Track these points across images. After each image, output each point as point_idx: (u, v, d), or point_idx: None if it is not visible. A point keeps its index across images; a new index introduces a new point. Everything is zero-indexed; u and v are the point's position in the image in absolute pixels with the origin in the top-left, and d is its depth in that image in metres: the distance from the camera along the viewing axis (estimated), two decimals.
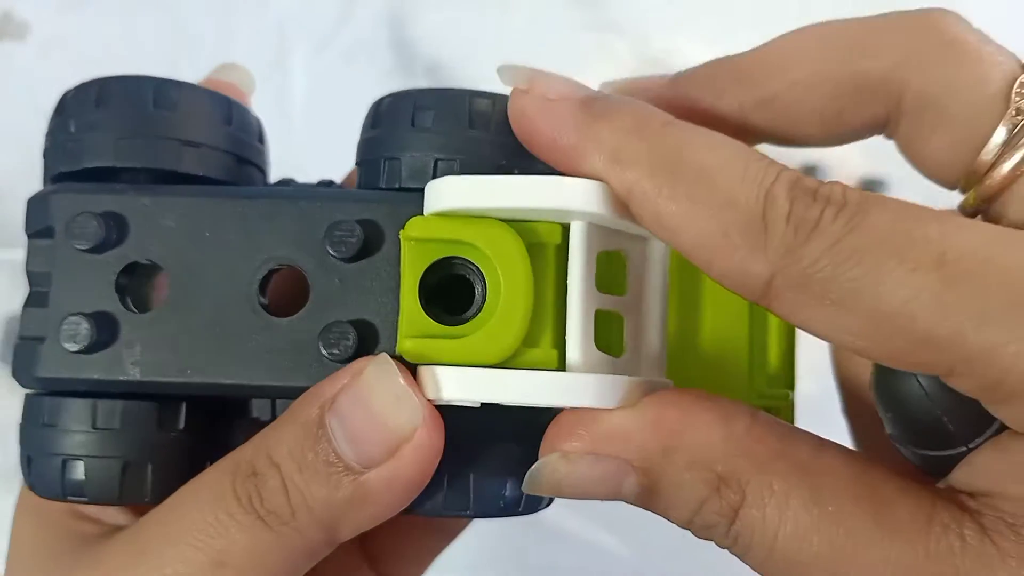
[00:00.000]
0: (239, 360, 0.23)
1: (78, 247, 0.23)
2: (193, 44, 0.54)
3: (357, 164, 0.25)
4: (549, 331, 0.22)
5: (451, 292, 0.23)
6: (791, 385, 0.28)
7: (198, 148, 0.25)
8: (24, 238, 0.25)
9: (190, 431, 0.24)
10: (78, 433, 0.24)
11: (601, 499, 0.21)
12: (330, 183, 0.27)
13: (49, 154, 0.25)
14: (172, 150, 0.25)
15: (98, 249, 0.23)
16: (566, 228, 0.22)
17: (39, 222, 0.24)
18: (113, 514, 0.26)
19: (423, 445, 0.21)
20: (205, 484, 0.22)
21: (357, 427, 0.21)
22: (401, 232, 0.22)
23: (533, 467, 0.21)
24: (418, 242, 0.22)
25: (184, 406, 0.24)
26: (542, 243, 0.22)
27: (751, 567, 0.20)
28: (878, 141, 0.23)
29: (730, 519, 0.20)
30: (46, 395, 0.24)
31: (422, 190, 0.23)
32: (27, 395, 0.25)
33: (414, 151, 0.24)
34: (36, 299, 0.24)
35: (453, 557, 0.33)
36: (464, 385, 0.21)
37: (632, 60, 0.54)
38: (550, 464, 0.21)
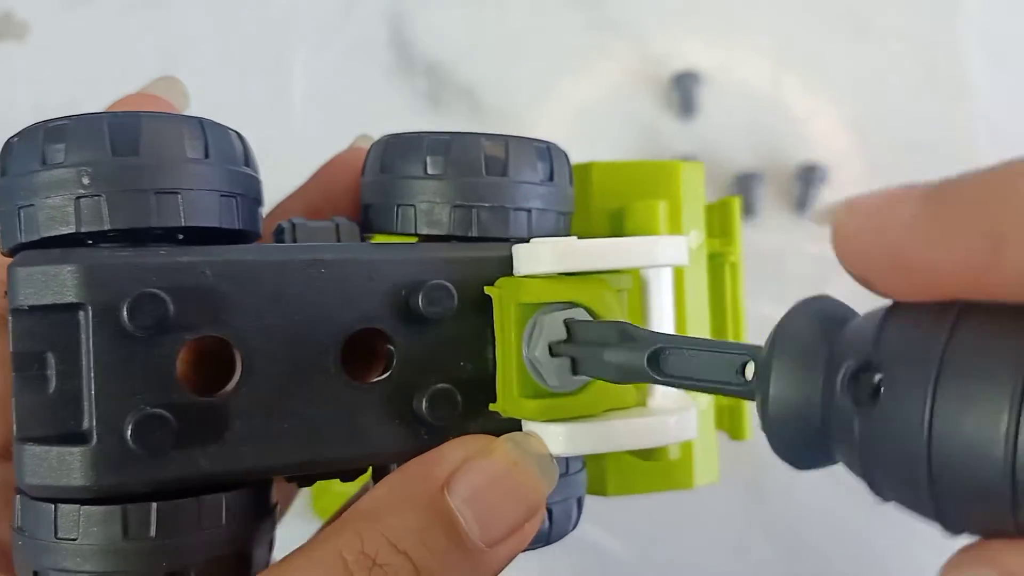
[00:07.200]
0: (326, 434, 0.21)
1: (134, 329, 0.20)
2: (193, 43, 0.54)
3: (364, 206, 0.24)
4: None
5: None
6: None
7: (233, 198, 0.22)
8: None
9: (231, 522, 0.21)
10: (106, 546, 0.20)
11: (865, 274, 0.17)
12: (345, 223, 0.24)
13: (36, 215, 0.20)
14: (210, 204, 0.21)
15: (158, 329, 0.20)
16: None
17: (46, 296, 0.20)
18: None
19: (543, 512, 0.22)
20: None
21: (490, 507, 0.21)
22: (497, 292, 0.22)
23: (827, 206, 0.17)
24: (526, 305, 0.22)
25: (224, 498, 0.21)
26: (620, 291, 0.23)
27: None
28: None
29: None
30: (56, 501, 0.20)
31: (489, 241, 0.23)
32: (23, 499, 0.21)
33: (430, 198, 0.23)
34: (33, 385, 0.20)
35: None
36: (574, 440, 0.22)
37: (632, 60, 0.54)
38: (837, 209, 0.17)
